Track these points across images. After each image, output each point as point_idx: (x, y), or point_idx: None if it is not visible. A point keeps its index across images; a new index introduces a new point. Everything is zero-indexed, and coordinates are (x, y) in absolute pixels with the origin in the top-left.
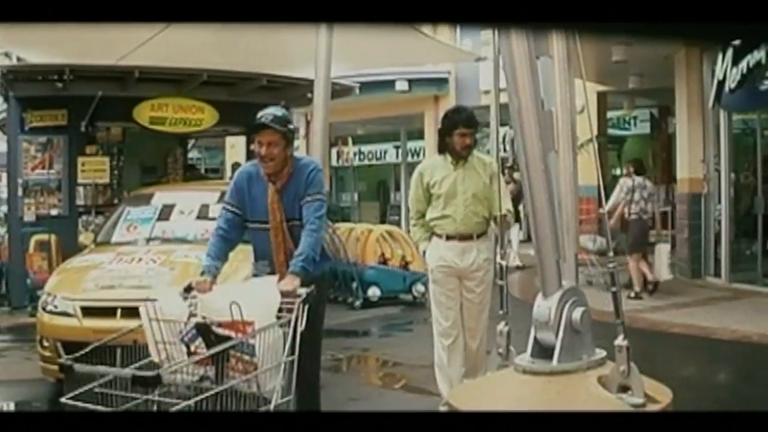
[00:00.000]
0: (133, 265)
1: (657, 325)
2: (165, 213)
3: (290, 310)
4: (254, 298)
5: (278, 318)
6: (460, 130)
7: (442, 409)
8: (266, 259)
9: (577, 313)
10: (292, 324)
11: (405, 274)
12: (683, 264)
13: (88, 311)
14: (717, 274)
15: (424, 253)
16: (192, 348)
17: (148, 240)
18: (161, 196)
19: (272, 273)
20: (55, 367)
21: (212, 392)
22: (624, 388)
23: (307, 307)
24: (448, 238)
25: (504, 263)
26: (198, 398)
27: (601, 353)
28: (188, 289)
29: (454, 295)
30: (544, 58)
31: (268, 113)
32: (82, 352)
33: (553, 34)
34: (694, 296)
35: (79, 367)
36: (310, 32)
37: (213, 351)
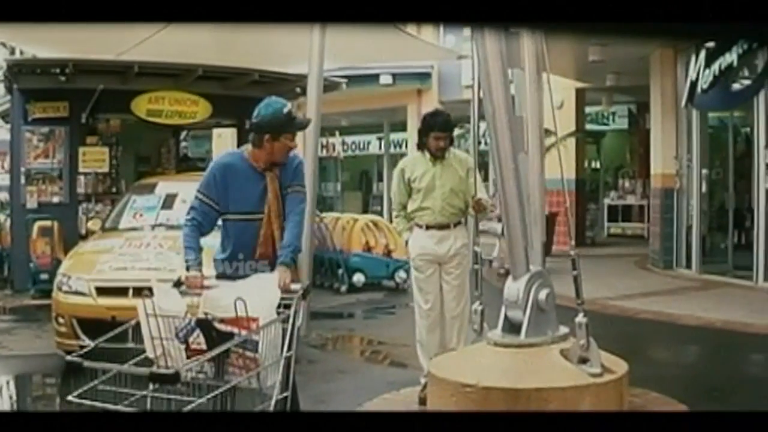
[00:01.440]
0: (142, 249)
1: (626, 311)
2: (168, 201)
3: (288, 306)
4: (257, 295)
5: (278, 314)
6: (435, 133)
7: (423, 380)
8: (244, 252)
9: (542, 294)
10: (291, 320)
11: (388, 262)
12: (656, 256)
13: (102, 290)
14: (688, 266)
15: (407, 242)
16: (189, 343)
17: (154, 227)
18: (164, 186)
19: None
20: (71, 342)
21: (219, 391)
22: (583, 360)
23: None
24: (428, 227)
25: (479, 250)
26: (203, 399)
27: (564, 330)
28: (178, 284)
29: (433, 280)
30: (515, 70)
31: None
32: (109, 335)
33: (524, 45)
34: (664, 286)
35: (89, 364)
36: (302, 30)
37: (221, 348)
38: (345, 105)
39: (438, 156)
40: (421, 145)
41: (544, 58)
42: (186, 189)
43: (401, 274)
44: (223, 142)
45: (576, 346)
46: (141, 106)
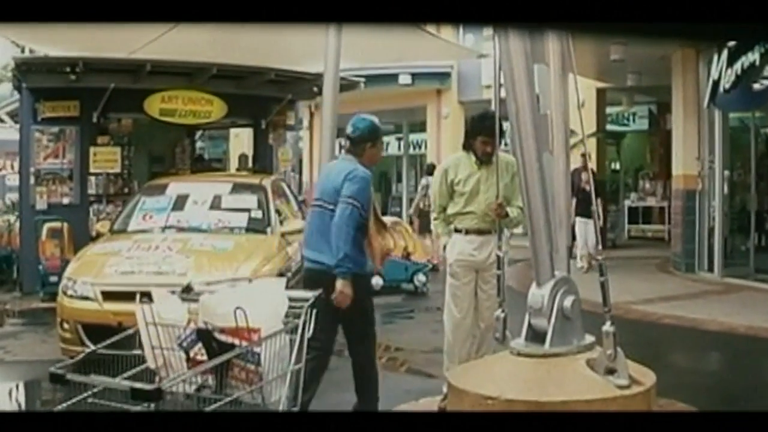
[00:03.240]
0: (150, 253)
1: (648, 316)
2: (179, 203)
3: (297, 316)
4: (260, 303)
5: (285, 324)
6: (483, 138)
7: (446, 389)
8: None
9: (568, 301)
10: (300, 330)
11: (407, 265)
12: (677, 258)
13: (108, 295)
14: (710, 269)
15: (444, 247)
16: (191, 354)
17: (164, 229)
18: (175, 187)
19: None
20: (76, 348)
21: (216, 405)
22: (610, 371)
23: (315, 312)
24: (467, 232)
25: (501, 254)
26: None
27: (590, 339)
28: (187, 290)
29: (469, 288)
30: (540, 66)
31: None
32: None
33: (549, 42)
34: (686, 290)
35: (72, 376)
36: (318, 30)
37: (216, 361)
38: (363, 105)
39: (484, 160)
40: (468, 147)
41: (570, 55)
42: (198, 190)
43: (420, 277)
44: (240, 143)
45: (603, 355)
46: (154, 105)
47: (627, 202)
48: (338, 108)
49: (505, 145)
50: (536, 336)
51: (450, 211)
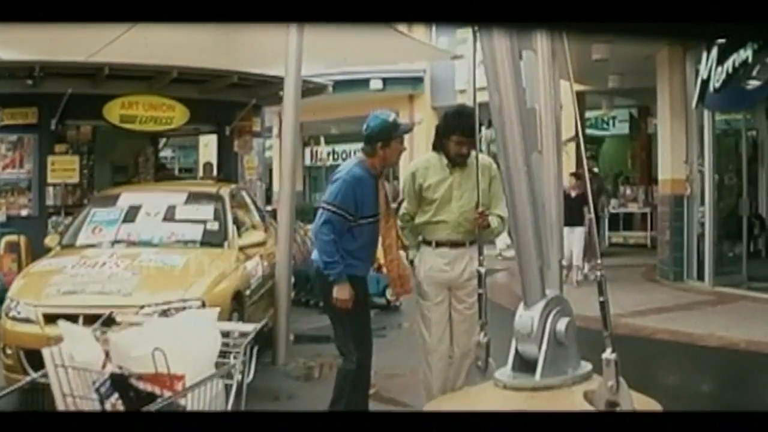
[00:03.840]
0: (96, 270)
1: (639, 331)
2: (131, 215)
3: (238, 354)
4: (185, 342)
5: (217, 366)
6: (458, 137)
7: None
8: (371, 250)
9: (561, 324)
10: (237, 375)
11: (378, 277)
12: (665, 267)
13: (50, 318)
14: (700, 278)
15: (411, 262)
16: (108, 405)
17: (113, 243)
18: (128, 197)
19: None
20: (18, 376)
21: None
22: (612, 404)
23: (251, 350)
24: (438, 244)
25: (483, 271)
26: None
27: (587, 366)
28: (107, 323)
29: (442, 309)
30: (527, 53)
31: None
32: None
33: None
34: (676, 300)
35: None
36: (282, 29)
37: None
38: (333, 111)
39: (458, 162)
40: (438, 147)
41: (562, 42)
42: (151, 200)
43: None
44: (210, 151)
45: (603, 387)
46: (113, 111)
47: (607, 209)
48: (300, 113)
49: (481, 152)
50: (525, 365)
51: (418, 220)
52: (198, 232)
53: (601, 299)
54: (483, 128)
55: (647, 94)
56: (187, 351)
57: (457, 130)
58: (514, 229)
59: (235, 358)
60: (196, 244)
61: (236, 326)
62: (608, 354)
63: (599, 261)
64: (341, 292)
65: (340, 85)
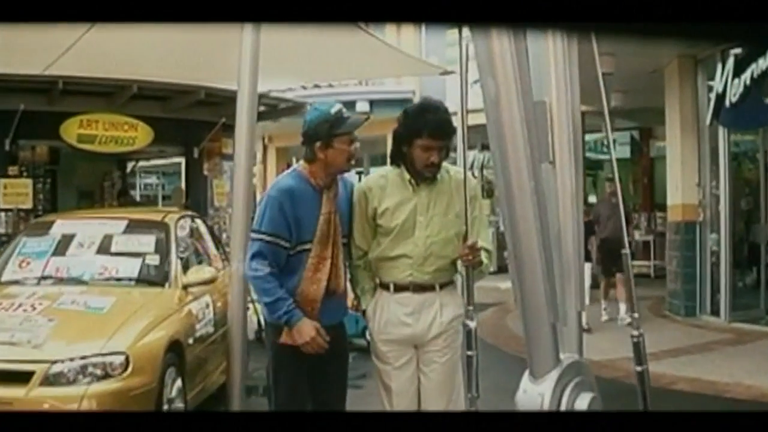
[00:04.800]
0: (10, 313)
1: (657, 380)
2: (62, 245)
3: None
4: None
5: None
6: (425, 140)
7: None
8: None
9: (582, 402)
10: None
11: (357, 316)
12: (675, 300)
13: None
14: (714, 312)
15: (364, 312)
16: None
17: (40, 279)
18: (61, 225)
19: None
20: None
21: None
22: None
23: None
24: (398, 288)
25: (474, 325)
26: None
27: None
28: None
29: (406, 375)
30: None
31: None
32: None
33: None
34: (691, 339)
35: None
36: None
37: None
38: None
39: (425, 177)
40: (398, 158)
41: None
42: (86, 229)
43: None
44: None
45: None
46: (71, 130)
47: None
48: (255, 133)
49: (474, 176)
50: None
51: (372, 255)
52: (134, 268)
53: (639, 369)
54: (475, 152)
55: (651, 115)
56: None
57: (423, 130)
58: (517, 269)
59: None
60: (132, 282)
61: None
62: None
63: (636, 315)
64: (302, 332)
65: None
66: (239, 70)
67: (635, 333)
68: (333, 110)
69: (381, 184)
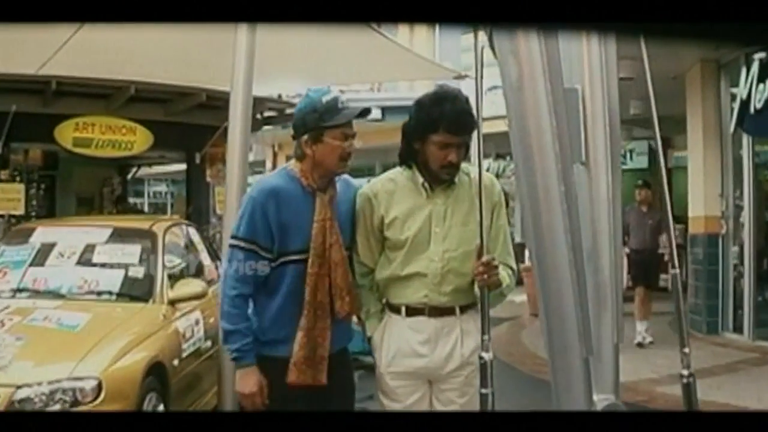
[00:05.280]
0: None
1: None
2: (41, 255)
3: None
4: None
5: None
6: (441, 136)
7: None
8: (295, 308)
9: None
10: None
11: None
12: (697, 317)
13: None
14: (737, 330)
15: (370, 339)
16: None
17: (15, 292)
18: (42, 233)
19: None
20: None
21: None
22: None
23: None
24: (411, 312)
25: (489, 357)
26: None
27: None
28: None
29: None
30: None
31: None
32: None
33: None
34: (716, 359)
35: None
36: (262, 38)
37: None
38: None
39: (442, 180)
40: (409, 158)
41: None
42: (68, 238)
43: None
44: None
45: None
46: (66, 134)
47: (624, 249)
48: (249, 138)
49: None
50: None
51: (380, 274)
52: (116, 281)
53: (686, 379)
54: (490, 160)
55: (670, 124)
56: None
57: (439, 124)
58: (542, 291)
59: None
60: (112, 297)
61: None
62: None
63: (687, 350)
64: (245, 382)
65: None
66: (233, 72)
67: (685, 373)
68: (325, 98)
69: (389, 189)
